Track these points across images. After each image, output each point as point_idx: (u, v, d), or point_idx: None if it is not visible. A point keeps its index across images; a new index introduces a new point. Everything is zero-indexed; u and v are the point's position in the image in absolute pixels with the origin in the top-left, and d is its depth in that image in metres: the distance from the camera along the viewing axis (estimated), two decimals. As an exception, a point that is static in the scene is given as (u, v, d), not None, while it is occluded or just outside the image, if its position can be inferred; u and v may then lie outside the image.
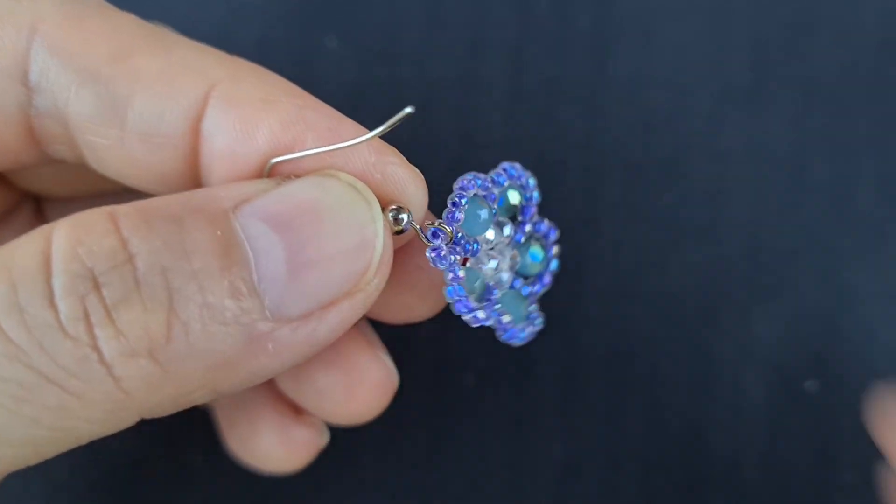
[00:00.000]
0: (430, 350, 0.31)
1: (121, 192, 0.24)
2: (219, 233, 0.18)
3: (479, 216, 0.23)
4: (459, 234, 0.22)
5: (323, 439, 0.27)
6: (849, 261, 0.31)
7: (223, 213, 0.18)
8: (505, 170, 0.24)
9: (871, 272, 0.31)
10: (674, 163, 0.32)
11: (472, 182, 0.22)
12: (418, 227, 0.21)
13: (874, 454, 0.30)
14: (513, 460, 0.31)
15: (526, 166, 0.33)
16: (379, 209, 0.20)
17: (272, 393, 0.26)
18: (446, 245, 0.22)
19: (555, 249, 0.26)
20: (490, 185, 0.23)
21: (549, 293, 0.32)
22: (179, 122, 0.20)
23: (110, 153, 0.20)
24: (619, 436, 0.30)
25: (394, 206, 0.20)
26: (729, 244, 0.32)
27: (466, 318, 0.22)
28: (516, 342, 0.24)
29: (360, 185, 0.20)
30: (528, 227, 0.25)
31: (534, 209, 0.25)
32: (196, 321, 0.17)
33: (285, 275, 0.18)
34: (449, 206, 0.22)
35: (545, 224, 0.25)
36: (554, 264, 0.26)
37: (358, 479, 0.29)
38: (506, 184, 0.24)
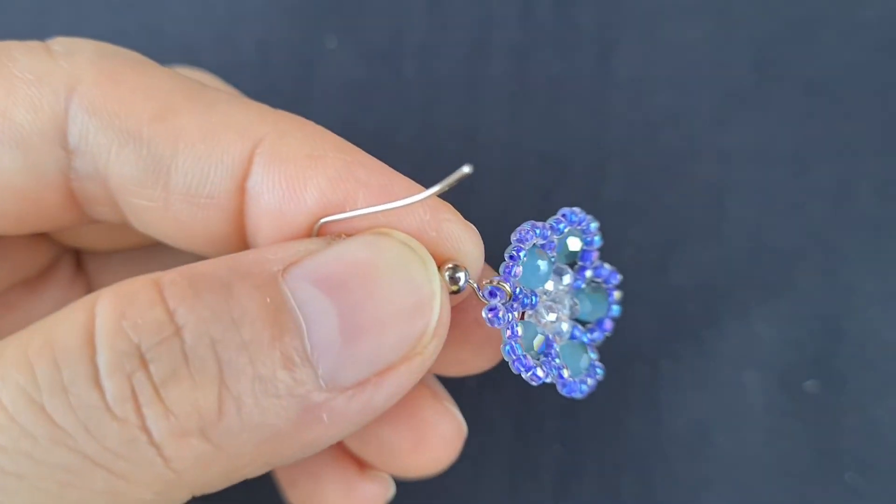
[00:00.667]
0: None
1: (161, 245, 0.23)
2: (268, 300, 0.17)
3: (537, 268, 0.22)
4: (517, 289, 0.21)
5: (390, 492, 0.26)
6: (850, 261, 0.31)
7: (272, 278, 0.18)
8: (564, 215, 0.23)
9: (873, 273, 0.31)
10: (676, 163, 0.32)
11: (531, 233, 0.21)
12: (476, 285, 0.20)
13: (876, 454, 0.30)
14: (513, 461, 0.31)
15: (528, 166, 0.33)
16: (435, 268, 0.19)
17: (335, 449, 0.25)
18: (503, 304, 0.21)
19: (616, 294, 0.25)
20: (549, 233, 0.22)
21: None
22: (224, 181, 0.19)
23: (154, 214, 0.20)
24: (619, 436, 0.31)
25: (450, 265, 0.19)
26: (731, 244, 0.32)
27: (525, 376, 0.21)
28: (577, 395, 0.23)
29: (414, 243, 0.19)
30: (588, 273, 0.24)
31: (595, 254, 0.24)
32: (248, 395, 0.17)
33: (339, 341, 0.18)
34: (507, 259, 0.21)
35: (606, 268, 0.24)
36: (615, 310, 0.25)
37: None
38: (566, 230, 0.23)
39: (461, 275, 0.19)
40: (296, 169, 0.19)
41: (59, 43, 0.20)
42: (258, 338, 0.17)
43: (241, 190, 0.19)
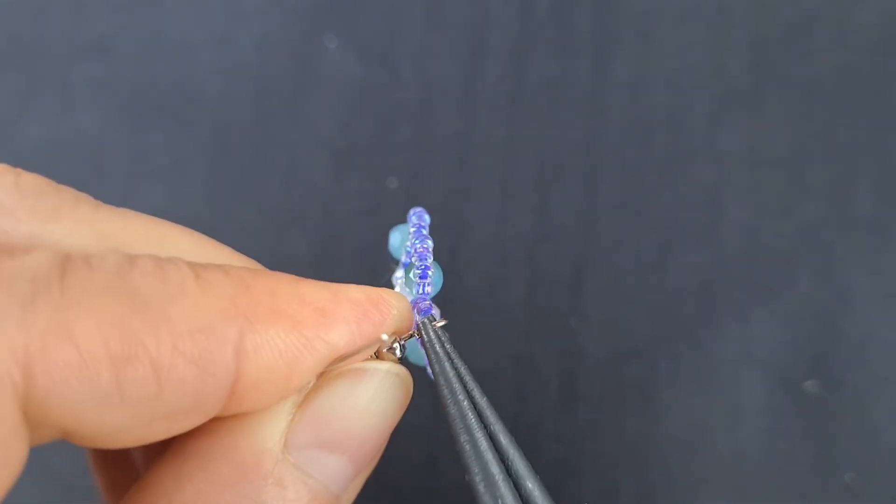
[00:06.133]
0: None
1: None
2: (295, 490, 0.18)
3: (439, 276, 0.23)
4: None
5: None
6: (848, 261, 0.31)
7: (286, 466, 0.18)
8: (417, 215, 0.24)
9: (870, 273, 0.31)
10: (673, 164, 0.32)
11: (425, 243, 0.23)
12: (415, 337, 0.21)
13: (874, 454, 0.30)
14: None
15: (525, 167, 0.33)
16: (404, 373, 0.20)
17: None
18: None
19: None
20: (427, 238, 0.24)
21: (550, 293, 0.32)
22: (216, 391, 0.17)
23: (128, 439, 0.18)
24: (618, 435, 0.31)
25: (391, 343, 0.20)
26: (728, 245, 0.32)
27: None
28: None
29: (385, 365, 0.20)
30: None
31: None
32: None
33: (353, 471, 0.19)
34: (419, 281, 0.22)
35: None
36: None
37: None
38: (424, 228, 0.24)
39: (396, 345, 0.21)
40: (287, 361, 0.18)
41: None
42: None
43: (232, 390, 0.17)
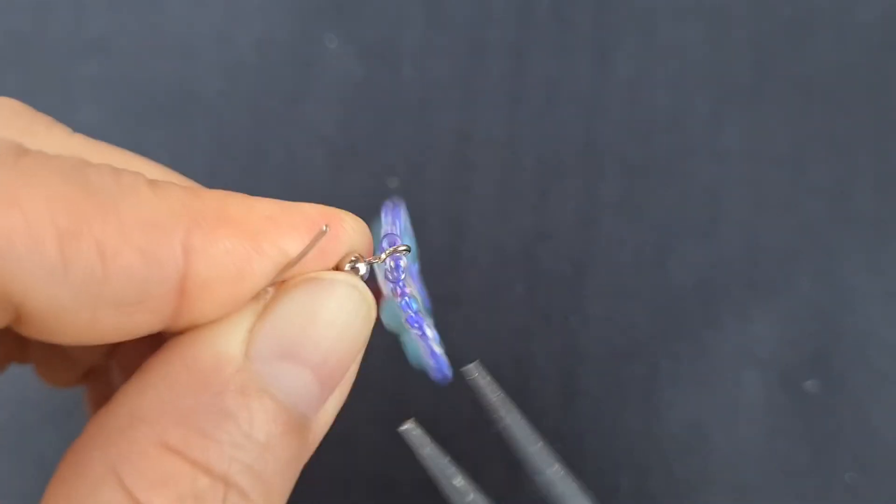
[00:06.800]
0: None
1: None
2: (266, 402, 0.18)
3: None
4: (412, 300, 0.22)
5: None
6: (848, 260, 0.31)
7: (252, 375, 0.18)
8: (391, 209, 0.23)
9: (871, 271, 0.31)
10: (673, 162, 0.32)
11: (397, 224, 0.22)
12: (376, 262, 0.21)
13: (874, 453, 0.30)
14: (511, 458, 0.31)
15: (525, 166, 0.33)
16: (365, 289, 0.20)
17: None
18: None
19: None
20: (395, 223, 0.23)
21: (550, 292, 0.32)
22: (165, 283, 0.17)
23: (72, 330, 0.18)
24: (618, 434, 0.30)
25: (351, 259, 0.20)
26: (729, 244, 0.32)
27: (414, 331, 0.22)
28: (441, 374, 0.23)
29: (341, 276, 0.20)
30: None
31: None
32: (278, 476, 0.18)
33: (318, 389, 0.19)
34: (393, 265, 0.22)
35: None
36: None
37: (359, 479, 0.29)
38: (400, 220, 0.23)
39: (361, 266, 0.21)
40: (241, 254, 0.18)
41: None
42: (271, 435, 0.18)
43: (181, 288, 0.18)
